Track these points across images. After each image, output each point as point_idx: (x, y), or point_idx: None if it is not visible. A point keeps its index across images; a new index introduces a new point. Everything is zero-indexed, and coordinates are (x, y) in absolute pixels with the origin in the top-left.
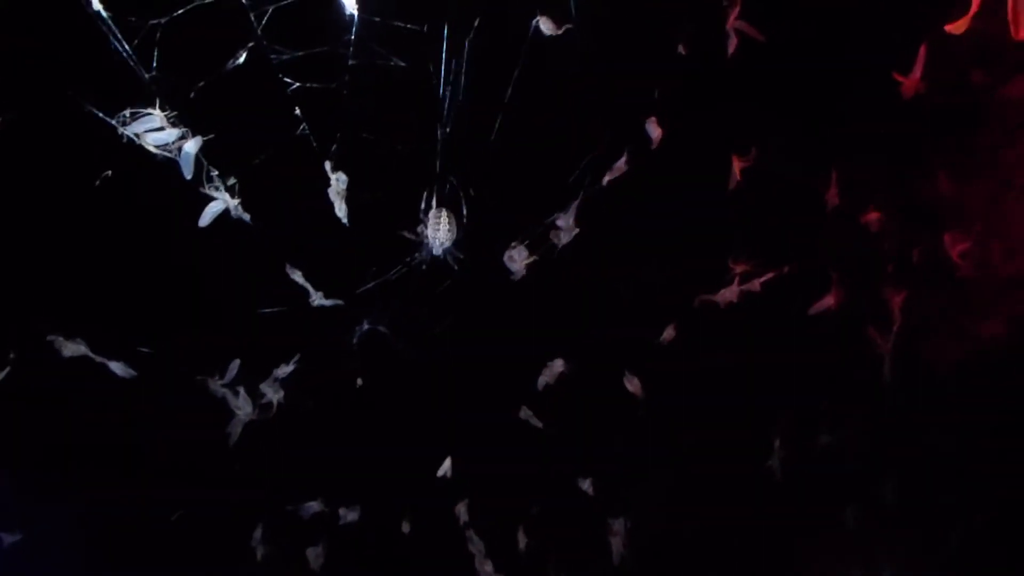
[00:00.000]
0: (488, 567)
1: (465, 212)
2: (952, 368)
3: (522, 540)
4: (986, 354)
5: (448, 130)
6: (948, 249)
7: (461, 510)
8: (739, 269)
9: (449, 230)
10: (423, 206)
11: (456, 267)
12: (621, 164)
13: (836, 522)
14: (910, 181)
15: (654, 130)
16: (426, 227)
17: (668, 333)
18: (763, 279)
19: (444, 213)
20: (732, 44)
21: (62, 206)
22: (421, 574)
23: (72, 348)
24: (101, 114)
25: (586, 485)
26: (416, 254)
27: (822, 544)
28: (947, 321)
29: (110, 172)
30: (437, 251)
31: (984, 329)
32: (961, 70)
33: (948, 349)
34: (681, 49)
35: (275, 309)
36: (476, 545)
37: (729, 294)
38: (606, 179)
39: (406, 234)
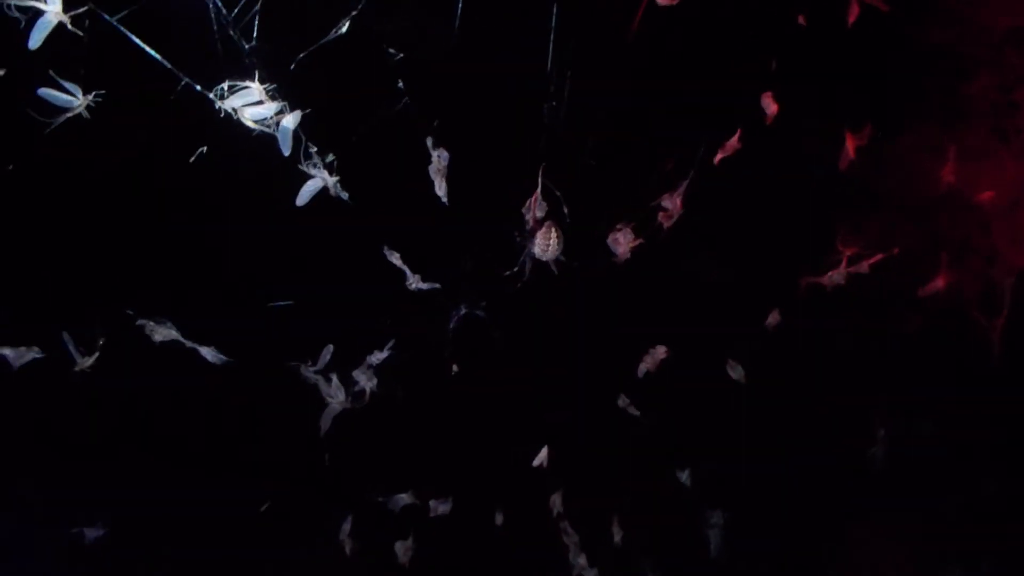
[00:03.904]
0: (582, 560)
1: (564, 204)
2: None
3: (617, 533)
4: None
5: (554, 104)
6: None
7: (556, 501)
8: (848, 251)
9: (559, 246)
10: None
11: (557, 272)
12: (734, 142)
13: (937, 514)
14: None
15: (770, 105)
16: (533, 242)
17: (773, 318)
18: (872, 260)
19: (554, 231)
20: (853, 13)
21: (155, 183)
22: (513, 567)
23: (163, 333)
24: (198, 87)
25: (684, 476)
26: (518, 261)
27: (922, 536)
28: None
29: (205, 148)
30: (543, 259)
31: None
32: None
33: None
34: (801, 19)
35: (285, 302)
36: (571, 537)
37: (837, 277)
38: (718, 158)
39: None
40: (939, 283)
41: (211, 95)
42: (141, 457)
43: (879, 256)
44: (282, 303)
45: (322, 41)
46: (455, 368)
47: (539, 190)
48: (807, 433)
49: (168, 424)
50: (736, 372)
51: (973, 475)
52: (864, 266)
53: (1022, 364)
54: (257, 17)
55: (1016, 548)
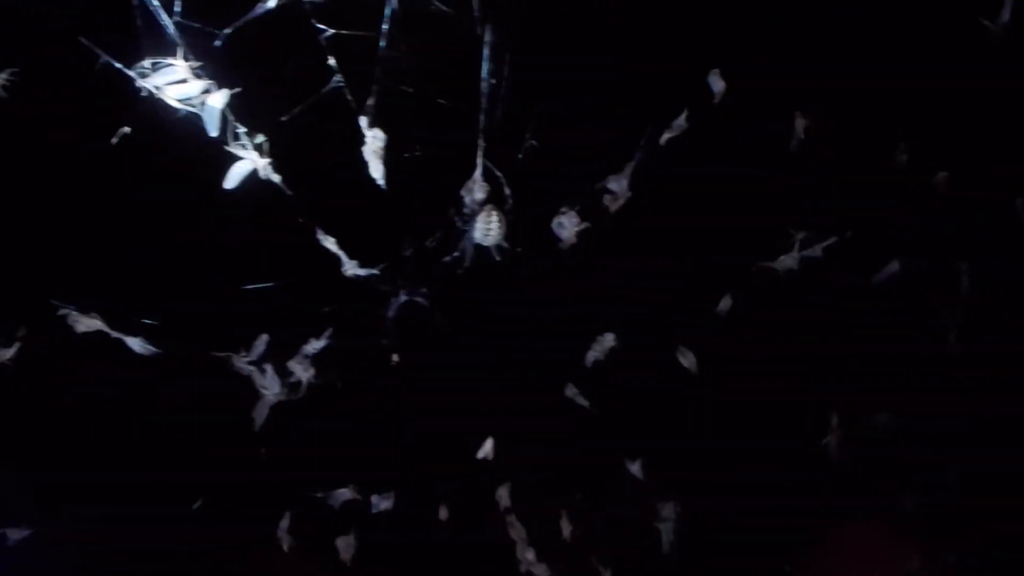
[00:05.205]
0: (530, 555)
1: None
2: None
3: (566, 527)
4: None
5: (493, 82)
6: None
7: (502, 495)
8: (800, 235)
9: (500, 230)
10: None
11: (499, 259)
12: (681, 122)
13: (895, 506)
14: (987, 137)
15: (717, 83)
16: (473, 227)
17: (724, 303)
18: (825, 244)
19: (495, 215)
20: None
21: (75, 166)
22: (459, 563)
23: (87, 323)
24: (119, 65)
25: (635, 468)
26: (457, 246)
27: (880, 529)
28: None
29: (128, 129)
30: (484, 244)
31: None
32: None
33: None
34: None
35: (261, 285)
36: (518, 532)
37: (789, 261)
38: (664, 138)
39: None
40: (895, 267)
41: (132, 73)
42: (65, 453)
43: (833, 239)
44: (259, 286)
45: (249, 16)
46: (396, 358)
47: (479, 171)
48: (762, 423)
49: (93, 418)
50: (687, 359)
51: (935, 467)
52: (817, 250)
53: (982, 352)
54: None
55: (979, 541)
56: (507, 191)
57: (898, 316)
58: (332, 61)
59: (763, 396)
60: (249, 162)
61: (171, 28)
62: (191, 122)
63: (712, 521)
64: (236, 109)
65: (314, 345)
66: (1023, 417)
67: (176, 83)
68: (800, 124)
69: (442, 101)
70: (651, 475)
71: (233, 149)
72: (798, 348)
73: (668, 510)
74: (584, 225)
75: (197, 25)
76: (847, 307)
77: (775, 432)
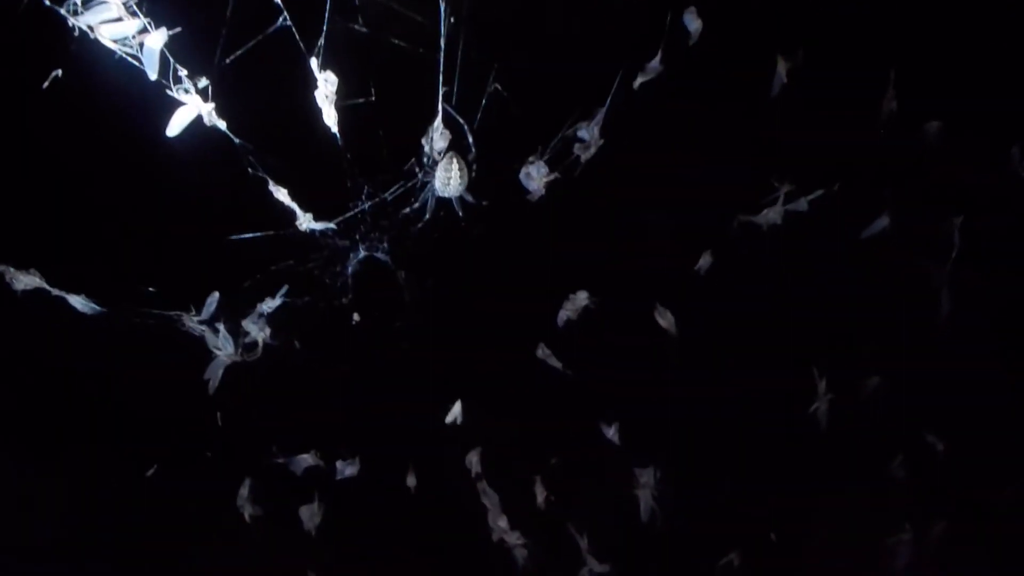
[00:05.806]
0: (503, 523)
1: (469, 135)
2: None
3: (540, 493)
4: None
5: (453, 20)
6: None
7: (473, 460)
8: (784, 187)
9: (463, 181)
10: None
11: (462, 211)
12: (655, 64)
13: (884, 473)
14: (982, 83)
15: (693, 22)
16: (434, 177)
17: (704, 260)
18: (811, 197)
19: (455, 162)
20: None
21: (3, 113)
22: (428, 531)
23: (26, 280)
24: (48, 2)
25: (611, 432)
26: (418, 198)
27: (868, 497)
28: None
29: (60, 72)
30: (445, 195)
31: None
32: None
33: None
34: None
35: (250, 235)
36: (490, 499)
37: (773, 215)
38: (638, 82)
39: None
40: (884, 222)
41: (62, 10)
42: (5, 419)
43: (819, 192)
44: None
45: None
46: (356, 316)
47: (440, 118)
48: (745, 386)
49: (38, 383)
50: (665, 319)
51: (920, 434)
52: (803, 203)
53: (974, 312)
54: None
55: (965, 509)
56: (470, 139)
57: (887, 274)
58: None
59: (746, 359)
60: (193, 107)
61: None
62: (129, 64)
63: (693, 488)
64: (177, 50)
65: (269, 304)
66: (1016, 381)
67: (110, 22)
68: (783, 67)
69: (398, 41)
70: (628, 440)
71: (175, 94)
72: (782, 308)
73: (647, 476)
74: (553, 175)
75: None
76: (834, 264)
77: (759, 397)
